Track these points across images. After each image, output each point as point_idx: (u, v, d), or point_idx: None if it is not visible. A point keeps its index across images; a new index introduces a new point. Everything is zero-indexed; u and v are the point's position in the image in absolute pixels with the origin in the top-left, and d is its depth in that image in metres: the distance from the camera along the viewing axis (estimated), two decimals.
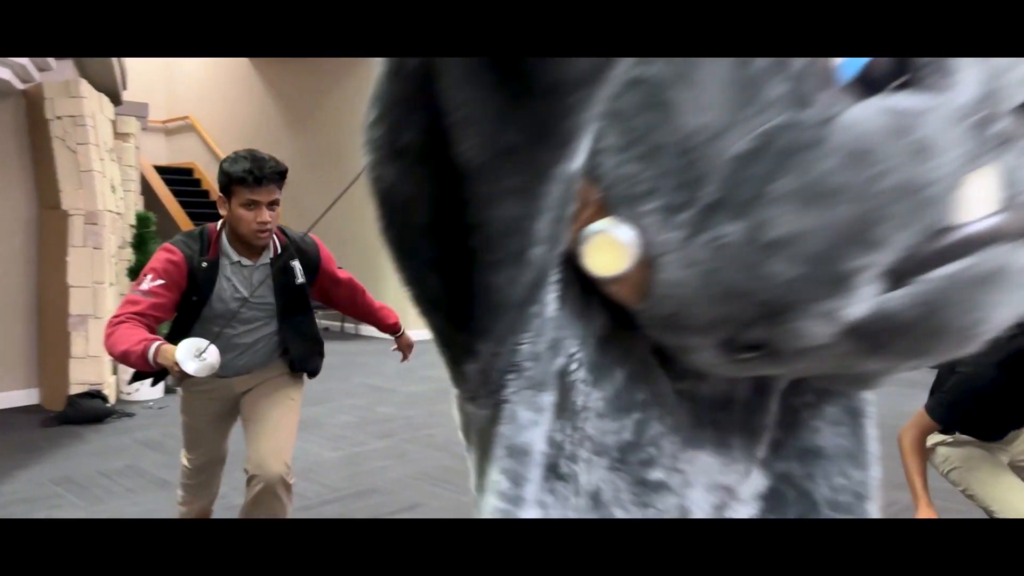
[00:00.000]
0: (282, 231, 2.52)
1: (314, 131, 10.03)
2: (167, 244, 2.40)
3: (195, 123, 12.14)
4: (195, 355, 2.09)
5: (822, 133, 0.52)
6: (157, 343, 2.11)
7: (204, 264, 2.37)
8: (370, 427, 5.11)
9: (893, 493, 2.06)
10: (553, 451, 0.69)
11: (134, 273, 6.26)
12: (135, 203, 7.44)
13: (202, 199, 11.48)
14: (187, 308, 2.39)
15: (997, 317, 0.55)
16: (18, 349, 5.57)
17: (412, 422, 5.20)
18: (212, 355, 2.12)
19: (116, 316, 2.22)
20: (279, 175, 2.32)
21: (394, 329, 2.88)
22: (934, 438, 2.50)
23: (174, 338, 2.31)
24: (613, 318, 0.70)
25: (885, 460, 0.84)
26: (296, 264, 2.49)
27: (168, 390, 5.49)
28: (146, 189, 9.59)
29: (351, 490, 3.90)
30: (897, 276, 0.54)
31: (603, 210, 0.62)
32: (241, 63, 11.23)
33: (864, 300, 0.54)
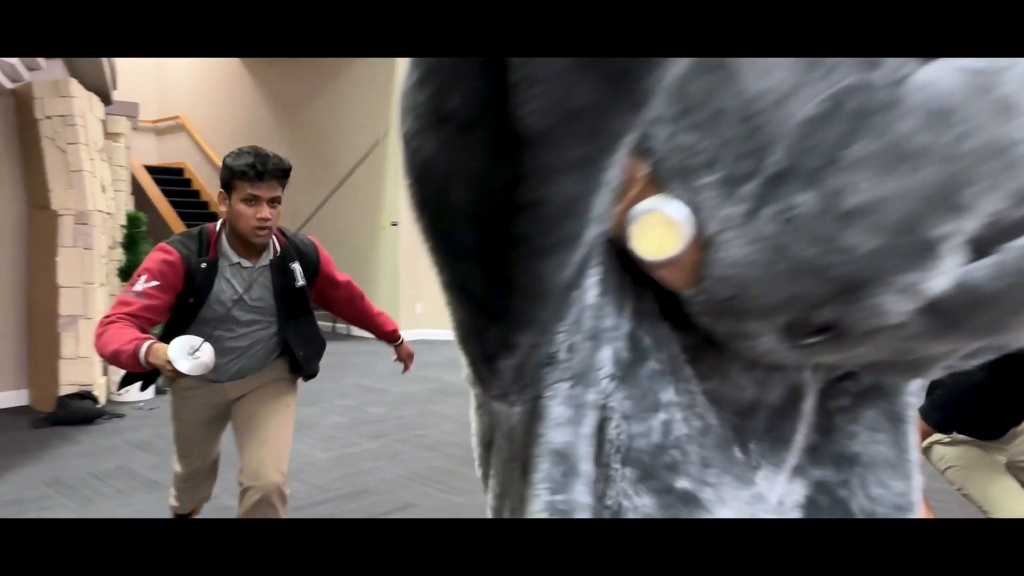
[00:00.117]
0: (282, 233, 2.47)
1: (305, 131, 10.01)
2: (163, 244, 2.33)
3: (186, 123, 12.10)
4: (189, 353, 2.03)
5: (897, 93, 0.49)
6: (149, 342, 2.05)
7: (203, 265, 2.30)
8: (362, 428, 5.10)
9: None
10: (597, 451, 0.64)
11: (124, 273, 6.24)
12: (125, 203, 7.41)
13: (193, 199, 11.45)
14: (183, 310, 2.31)
15: None
16: (7, 350, 5.54)
17: (404, 422, 5.20)
18: (206, 353, 2.06)
19: (107, 316, 2.15)
20: (282, 171, 2.27)
21: (393, 337, 2.81)
22: (931, 437, 2.51)
23: (168, 341, 2.23)
24: (647, 306, 0.65)
25: None
26: (296, 266, 2.44)
27: (159, 391, 5.47)
28: (136, 189, 9.56)
29: (343, 491, 3.89)
30: (980, 245, 0.50)
31: (653, 186, 0.57)
32: (232, 63, 11.20)
33: (947, 272, 0.51)
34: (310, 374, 2.62)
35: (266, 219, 2.26)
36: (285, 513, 2.42)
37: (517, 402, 0.66)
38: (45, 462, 4.29)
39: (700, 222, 0.56)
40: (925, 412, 2.36)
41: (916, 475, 0.74)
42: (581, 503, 0.62)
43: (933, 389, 2.44)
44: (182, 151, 12.21)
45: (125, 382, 2.52)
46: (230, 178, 2.25)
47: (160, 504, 3.57)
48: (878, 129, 0.49)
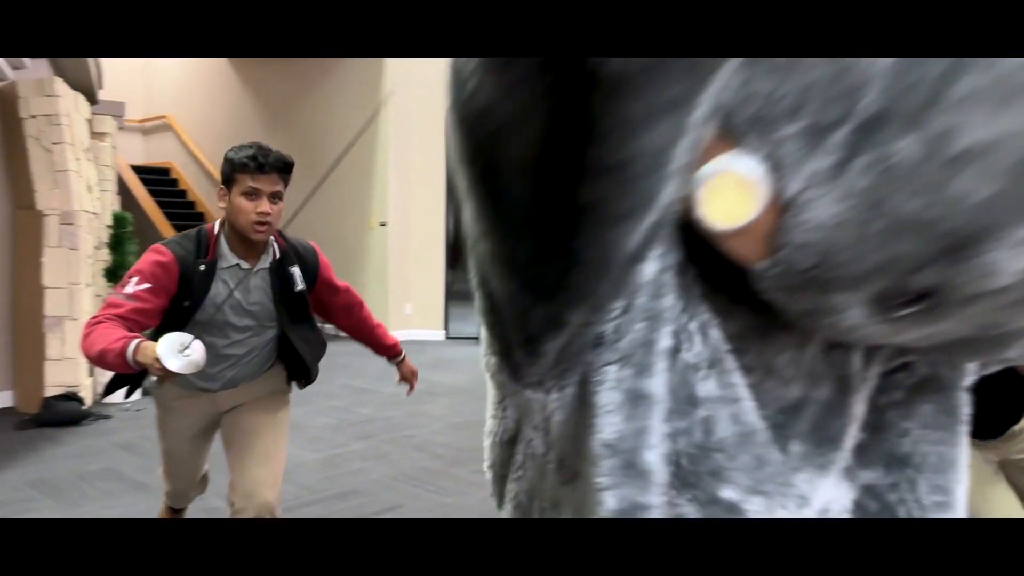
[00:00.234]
0: (281, 236, 2.38)
1: (292, 131, 9.97)
2: (157, 244, 2.23)
3: (172, 123, 12.03)
4: (178, 351, 1.92)
5: None
6: (137, 340, 1.95)
7: (202, 267, 2.20)
8: (350, 428, 5.09)
9: None
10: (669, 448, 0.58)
11: (111, 274, 6.19)
12: (112, 203, 7.36)
13: (179, 199, 11.38)
14: (177, 314, 2.20)
15: None
16: None
17: (392, 423, 5.18)
18: (197, 351, 1.96)
19: (94, 318, 2.06)
20: (284, 164, 2.20)
21: (393, 352, 2.66)
22: None
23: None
24: (692, 287, 0.59)
25: None
26: (295, 270, 2.35)
27: (145, 392, 5.44)
28: (123, 189, 9.49)
29: (331, 492, 3.88)
30: None
31: (722, 143, 0.50)
32: (219, 62, 11.14)
33: None
34: (311, 380, 2.53)
35: (266, 214, 2.17)
36: None
37: (555, 388, 0.60)
38: (30, 464, 4.26)
39: (779, 181, 0.49)
40: None
41: (965, 479, 0.68)
42: (647, 503, 0.57)
43: None
44: (169, 151, 12.14)
45: (110, 388, 2.39)
46: (231, 172, 2.18)
47: (147, 505, 3.54)
48: (987, 60, 0.43)
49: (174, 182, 11.80)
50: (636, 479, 0.57)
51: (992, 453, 2.47)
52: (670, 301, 0.58)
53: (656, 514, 0.57)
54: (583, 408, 0.59)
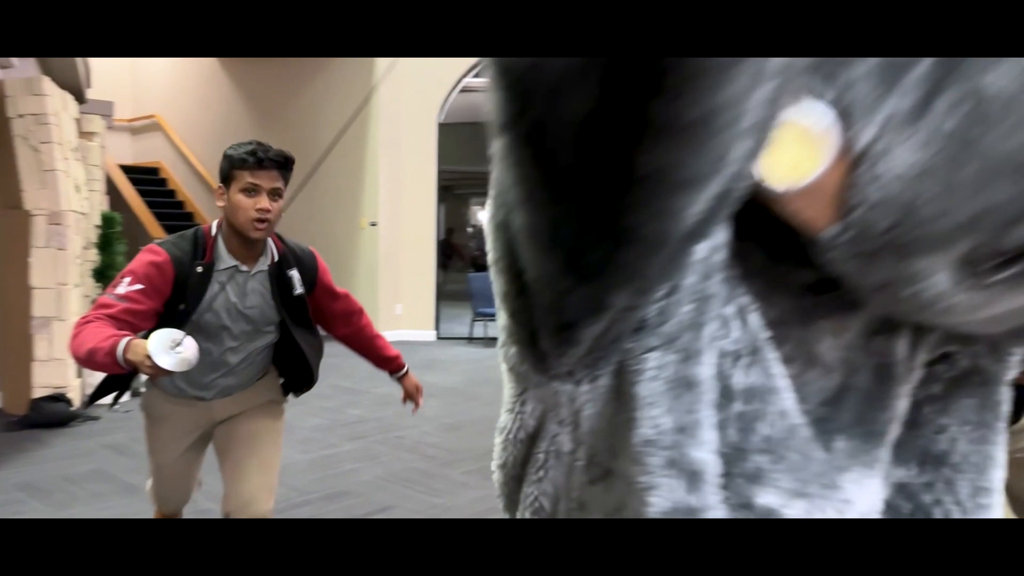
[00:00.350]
0: (280, 239, 2.30)
1: (283, 131, 9.94)
2: (152, 244, 2.14)
3: (162, 122, 11.98)
4: (170, 347, 1.84)
5: None
6: (128, 338, 1.87)
7: (199, 269, 2.11)
8: (341, 429, 5.08)
9: None
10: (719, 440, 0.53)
11: (99, 275, 6.16)
12: (100, 203, 7.32)
13: (168, 199, 11.33)
14: (172, 318, 2.10)
15: None
16: None
17: (383, 424, 5.17)
18: (189, 348, 1.88)
19: (84, 318, 1.99)
20: (284, 160, 2.13)
21: (394, 365, 2.52)
22: None
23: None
24: (733, 268, 0.54)
25: None
26: (294, 273, 2.26)
27: (135, 393, 5.41)
28: (111, 189, 9.44)
29: (322, 493, 3.87)
30: None
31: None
32: (209, 62, 11.10)
33: None
34: (311, 386, 2.45)
35: (266, 210, 2.09)
36: None
37: (586, 379, 0.55)
38: (18, 466, 4.23)
39: (850, 129, 0.43)
40: None
41: (1001, 477, 0.62)
42: (699, 505, 0.52)
43: None
44: (158, 151, 12.08)
45: (97, 395, 2.29)
46: (229, 168, 2.11)
47: (137, 508, 3.53)
48: None
49: (163, 182, 11.74)
50: (684, 478, 0.52)
51: None
52: (719, 282, 0.53)
53: (710, 516, 0.53)
54: (619, 400, 0.54)
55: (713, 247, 0.52)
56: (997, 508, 0.61)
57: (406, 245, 9.39)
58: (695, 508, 0.52)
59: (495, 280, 0.60)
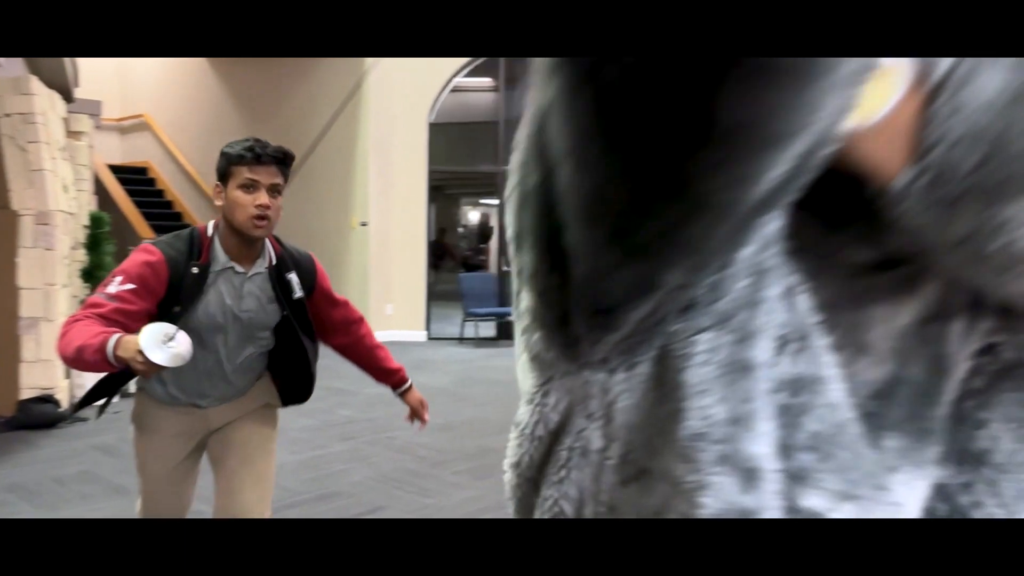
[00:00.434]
0: (278, 242, 2.21)
1: (272, 131, 9.92)
2: (146, 243, 2.06)
3: (150, 122, 11.93)
4: (162, 342, 1.75)
5: None
6: (118, 334, 1.78)
7: (195, 270, 2.02)
8: (331, 430, 5.07)
9: None
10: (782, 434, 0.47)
11: (87, 275, 6.12)
12: (88, 203, 7.28)
13: (157, 199, 11.28)
14: (165, 320, 1.97)
15: None
16: None
17: (374, 424, 5.17)
18: (183, 343, 1.80)
19: (72, 317, 1.91)
20: (283, 155, 2.06)
21: (396, 378, 2.39)
22: None
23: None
24: (788, 239, 0.48)
25: None
26: (293, 277, 2.17)
27: (124, 394, 5.39)
28: (99, 189, 9.39)
29: (312, 494, 3.86)
30: None
31: None
32: (198, 61, 11.06)
33: None
34: (308, 396, 2.37)
35: (266, 206, 2.01)
36: None
37: (622, 367, 0.50)
38: (6, 467, 4.20)
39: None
40: None
41: None
42: (755, 507, 0.47)
43: None
44: (146, 150, 12.03)
45: (85, 401, 2.20)
46: (227, 165, 2.04)
47: (126, 509, 3.51)
48: None
49: (152, 181, 11.69)
50: (739, 476, 0.47)
51: None
52: (776, 254, 0.47)
53: (766, 512, 0.47)
54: (661, 390, 0.49)
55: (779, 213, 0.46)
56: None
57: (397, 245, 9.38)
58: (751, 510, 0.47)
59: (518, 257, 0.54)
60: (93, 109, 8.19)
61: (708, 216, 0.40)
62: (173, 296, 2.00)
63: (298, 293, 2.18)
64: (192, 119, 11.31)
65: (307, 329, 2.22)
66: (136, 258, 2.01)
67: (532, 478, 0.59)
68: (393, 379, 2.39)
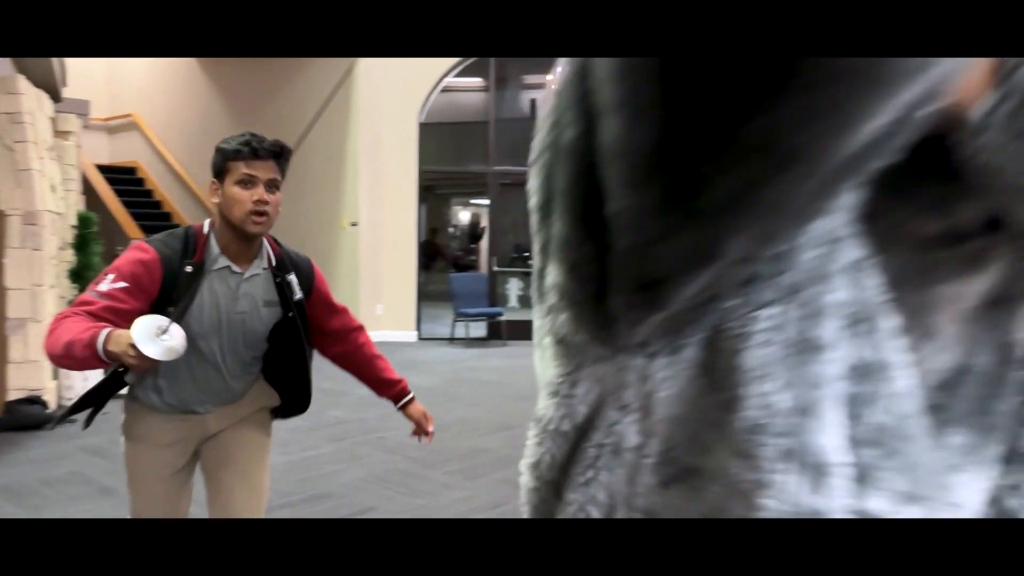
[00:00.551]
0: (275, 242, 2.14)
1: (261, 130, 9.81)
2: (140, 241, 2.00)
3: (139, 121, 11.87)
4: (156, 334, 1.67)
5: None
6: (108, 328, 1.71)
7: (188, 269, 1.95)
8: (321, 431, 5.05)
9: None
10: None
11: (75, 275, 6.09)
12: (76, 203, 7.24)
13: (146, 199, 11.23)
14: None
15: None
16: None
17: (364, 425, 5.16)
18: (176, 336, 1.72)
19: (61, 314, 1.84)
20: (280, 150, 2.00)
21: (397, 389, 2.27)
22: None
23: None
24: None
25: None
26: (292, 278, 2.09)
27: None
28: (88, 188, 9.35)
29: (303, 495, 3.85)
30: None
31: None
32: (187, 61, 11.01)
33: None
34: (306, 407, 2.26)
35: (264, 202, 1.94)
36: None
37: (664, 352, 0.44)
38: None
39: None
40: None
41: None
42: (824, 508, 0.42)
43: None
44: (135, 150, 11.97)
45: (73, 410, 2.08)
46: (222, 161, 1.97)
47: (114, 510, 3.49)
48: None
49: (140, 181, 11.64)
50: (807, 473, 0.42)
51: None
52: (848, 223, 0.42)
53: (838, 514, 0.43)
54: (712, 376, 0.43)
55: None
56: None
57: (387, 245, 9.37)
58: (819, 511, 0.42)
59: (543, 228, 0.49)
60: (81, 109, 8.15)
61: (792, 174, 0.35)
62: (166, 296, 1.92)
63: (298, 295, 2.10)
64: (181, 119, 11.26)
65: (306, 333, 2.14)
66: (129, 256, 1.94)
67: (554, 480, 0.52)
68: (394, 390, 2.28)
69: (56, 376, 5.62)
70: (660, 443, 0.46)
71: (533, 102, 12.24)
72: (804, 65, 0.32)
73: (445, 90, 9.66)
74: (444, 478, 4.07)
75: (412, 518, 3.49)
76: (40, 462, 4.32)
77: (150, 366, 1.71)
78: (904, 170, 0.41)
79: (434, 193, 15.47)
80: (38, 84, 6.14)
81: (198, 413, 2.07)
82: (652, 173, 0.37)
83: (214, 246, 2.02)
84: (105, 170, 11.05)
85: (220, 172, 1.99)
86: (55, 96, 6.93)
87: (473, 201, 17.06)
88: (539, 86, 12.06)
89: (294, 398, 2.22)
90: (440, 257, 15.90)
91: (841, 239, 0.42)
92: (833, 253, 0.41)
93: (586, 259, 0.44)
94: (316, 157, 9.17)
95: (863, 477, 0.42)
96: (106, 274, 1.91)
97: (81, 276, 6.10)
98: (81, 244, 6.21)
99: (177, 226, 2.12)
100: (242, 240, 2.01)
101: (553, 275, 0.50)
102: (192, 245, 1.99)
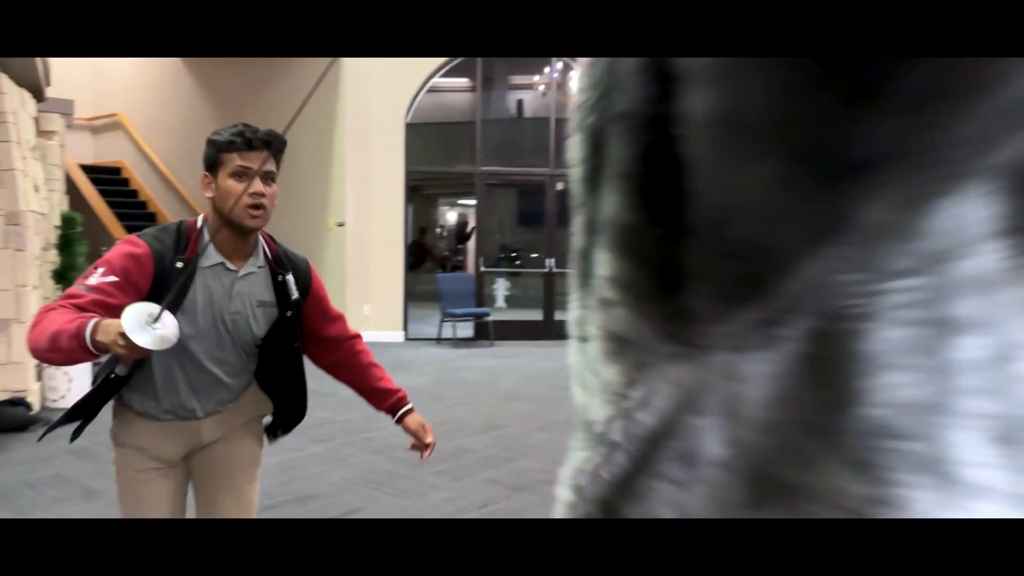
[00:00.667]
0: (272, 239, 2.05)
1: None
2: (131, 235, 1.91)
3: (124, 121, 11.79)
4: (147, 323, 1.58)
5: None
6: (96, 318, 1.62)
7: (179, 264, 1.85)
8: (308, 431, 5.03)
9: None
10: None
11: (59, 276, 6.05)
12: (60, 203, 7.19)
13: (131, 199, 11.16)
14: None
15: None
16: None
17: (350, 426, 5.15)
18: (169, 325, 1.63)
19: (47, 306, 1.75)
20: (276, 140, 1.91)
21: (395, 399, 2.16)
22: None
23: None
24: None
25: None
26: (290, 278, 2.00)
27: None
28: (71, 188, 9.28)
29: (289, 496, 3.84)
30: None
31: None
32: (172, 61, 10.95)
33: None
34: (301, 418, 2.21)
35: (261, 194, 1.86)
36: None
37: (758, 347, 0.36)
38: None
39: None
40: None
41: None
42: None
43: None
44: (120, 150, 11.89)
45: (63, 421, 1.99)
46: (215, 153, 1.89)
47: (98, 512, 3.47)
48: None
49: (125, 181, 11.56)
50: (942, 487, 0.34)
51: None
52: (1003, 178, 0.35)
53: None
54: (822, 370, 0.35)
55: None
56: None
57: (374, 246, 9.35)
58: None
59: (590, 201, 0.43)
60: (65, 108, 8.09)
61: (956, 119, 0.29)
62: (157, 293, 1.81)
63: (295, 294, 2.01)
64: (166, 118, 11.20)
65: (301, 336, 2.06)
66: (120, 249, 1.86)
67: (608, 501, 0.44)
68: (391, 400, 2.16)
69: (40, 377, 5.57)
70: (749, 455, 0.38)
71: (520, 102, 12.25)
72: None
73: (432, 90, 9.65)
74: (431, 478, 4.07)
75: (398, 518, 3.49)
76: (24, 464, 4.29)
77: (142, 356, 1.62)
78: None
79: (421, 193, 15.45)
80: (21, 83, 6.09)
81: (193, 419, 1.96)
82: (775, 136, 0.31)
83: (207, 241, 1.92)
84: (89, 170, 10.97)
85: (213, 165, 1.91)
86: (38, 95, 6.88)
87: (460, 201, 17.05)
88: (526, 87, 12.07)
89: (289, 404, 2.14)
90: (429, 257, 15.89)
91: (984, 195, 0.34)
92: (977, 211, 0.34)
93: (653, 244, 0.38)
94: (303, 157, 9.15)
95: (988, 486, 0.34)
96: (96, 267, 1.82)
97: (65, 277, 6.06)
98: (65, 245, 6.17)
99: (182, 220, 2.02)
100: (237, 236, 1.92)
101: (606, 264, 0.42)
102: (185, 240, 1.91)
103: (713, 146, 0.35)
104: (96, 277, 1.79)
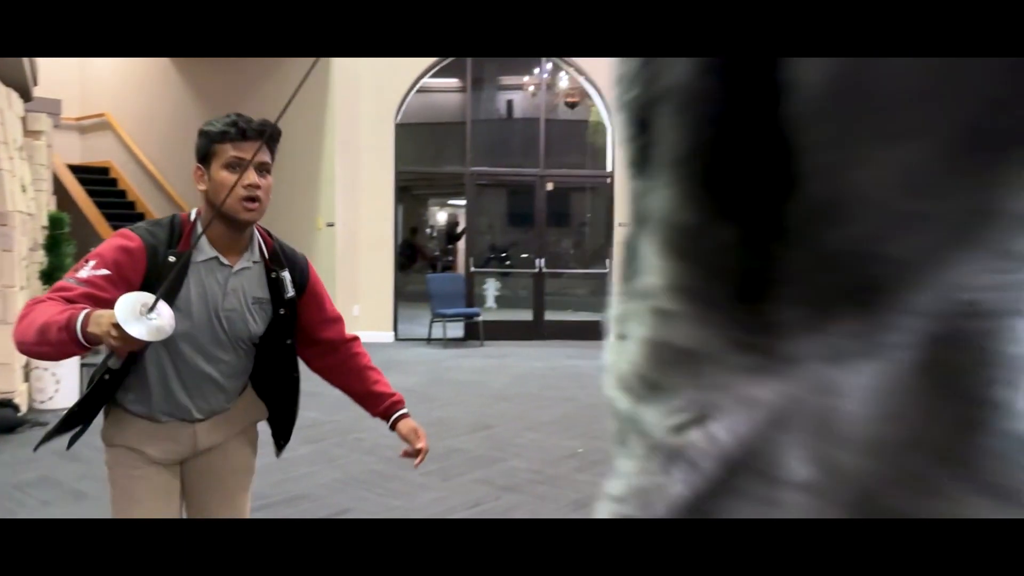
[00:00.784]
0: (268, 234, 2.00)
1: None
2: (124, 229, 1.86)
3: (112, 121, 11.73)
4: (142, 313, 1.52)
5: None
6: (88, 309, 1.56)
7: (171, 259, 1.78)
8: (297, 432, 5.00)
9: None
10: None
11: (47, 276, 6.01)
12: (47, 203, 7.15)
13: (119, 199, 11.11)
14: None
15: None
16: None
17: (340, 426, 5.14)
18: (164, 315, 1.57)
19: (35, 299, 1.69)
20: (271, 129, 1.84)
21: (390, 402, 2.10)
22: None
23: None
24: None
25: None
26: (286, 275, 1.94)
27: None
28: (59, 189, 9.22)
29: (279, 497, 3.83)
30: None
31: None
32: (160, 60, 10.90)
33: None
34: (292, 424, 2.19)
35: (256, 186, 1.79)
36: None
37: (858, 356, 0.31)
38: None
39: None
40: None
41: None
42: None
43: None
44: (108, 150, 11.83)
45: (56, 431, 1.95)
46: (208, 144, 1.83)
47: (86, 514, 3.45)
48: None
49: (113, 182, 11.50)
50: None
51: None
52: None
53: None
54: (943, 383, 0.30)
55: None
56: None
57: (364, 246, 9.34)
58: None
59: (643, 198, 0.38)
60: (52, 108, 8.04)
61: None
62: (149, 288, 1.71)
63: (290, 292, 1.94)
64: (155, 118, 11.14)
65: (294, 335, 2.01)
66: (113, 242, 1.80)
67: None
68: (387, 403, 2.09)
69: (27, 379, 5.54)
70: (848, 480, 0.33)
71: (510, 103, 12.26)
72: None
73: (421, 91, 9.64)
74: (420, 479, 4.06)
75: (388, 518, 3.48)
76: (11, 465, 4.26)
77: (136, 348, 1.57)
78: None
79: (411, 194, 15.43)
80: (8, 83, 6.05)
81: (189, 420, 1.90)
82: (921, 113, 0.27)
83: (200, 235, 1.85)
84: (77, 170, 10.91)
85: (205, 156, 1.85)
86: (25, 95, 6.84)
87: (450, 202, 17.04)
88: (515, 87, 12.07)
89: (283, 406, 2.09)
90: (420, 256, 15.87)
91: None
92: None
93: (722, 248, 0.33)
94: (292, 157, 9.12)
95: None
96: (87, 260, 1.76)
97: (52, 277, 6.03)
98: (52, 245, 6.13)
99: (176, 214, 1.97)
100: (232, 229, 1.85)
101: (659, 271, 0.37)
102: (178, 234, 1.85)
103: (828, 126, 0.29)
104: (87, 270, 1.73)
